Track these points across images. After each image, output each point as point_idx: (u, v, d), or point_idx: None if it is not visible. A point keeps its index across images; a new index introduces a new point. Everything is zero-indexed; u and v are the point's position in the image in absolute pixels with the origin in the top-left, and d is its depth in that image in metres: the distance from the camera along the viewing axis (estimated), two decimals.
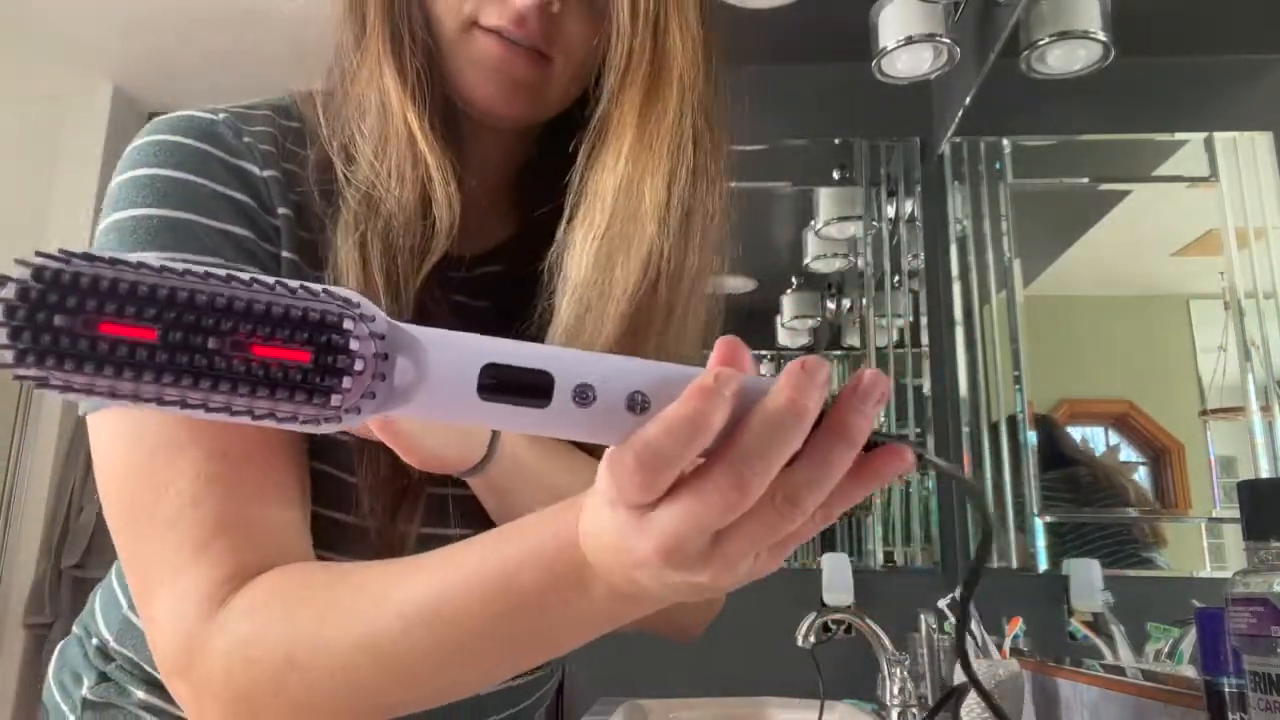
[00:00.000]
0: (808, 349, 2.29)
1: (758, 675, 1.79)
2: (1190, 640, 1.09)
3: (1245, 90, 1.10)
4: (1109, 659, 1.29)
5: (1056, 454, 1.61)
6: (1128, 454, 1.41)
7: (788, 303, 2.31)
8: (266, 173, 0.57)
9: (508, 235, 0.67)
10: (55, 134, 2.89)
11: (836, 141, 2.28)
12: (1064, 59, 1.49)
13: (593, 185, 0.57)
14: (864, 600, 1.78)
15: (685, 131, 0.57)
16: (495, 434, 0.54)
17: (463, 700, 0.48)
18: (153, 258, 0.30)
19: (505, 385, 0.33)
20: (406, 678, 0.44)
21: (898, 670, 1.54)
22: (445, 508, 0.60)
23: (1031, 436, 1.63)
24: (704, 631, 0.68)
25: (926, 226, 2.20)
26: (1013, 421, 1.72)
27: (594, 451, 0.57)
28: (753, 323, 2.33)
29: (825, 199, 2.28)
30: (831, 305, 2.30)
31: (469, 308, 0.63)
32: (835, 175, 2.27)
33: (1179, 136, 1.22)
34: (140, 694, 0.61)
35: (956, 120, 1.98)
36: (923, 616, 1.68)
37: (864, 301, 2.23)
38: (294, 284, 0.31)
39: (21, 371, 0.28)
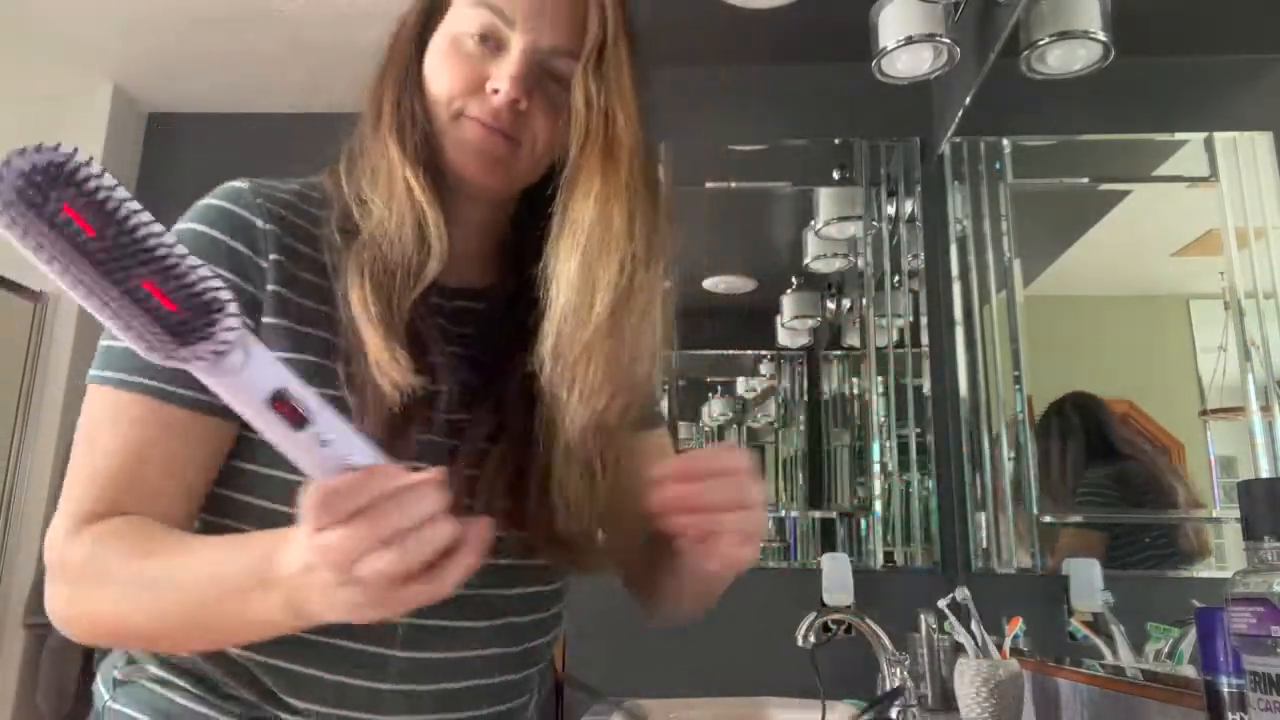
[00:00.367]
0: (808, 349, 2.30)
1: (758, 675, 1.79)
2: (1190, 640, 1.09)
3: (1245, 90, 1.10)
4: (1109, 659, 1.29)
5: (1107, 446, 1.44)
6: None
7: (788, 303, 2.31)
8: (267, 226, 0.72)
9: (488, 285, 0.83)
10: (55, 134, 2.80)
11: (836, 141, 2.28)
12: (1064, 59, 1.49)
13: (570, 215, 0.73)
14: (864, 600, 1.78)
15: (636, 172, 0.74)
16: None
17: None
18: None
19: (282, 406, 0.49)
20: (148, 618, 0.63)
21: (898, 670, 1.54)
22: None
23: (1037, 435, 1.63)
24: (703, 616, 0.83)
25: (926, 226, 2.20)
26: (1017, 419, 1.72)
27: None
28: (753, 323, 2.33)
29: (825, 199, 2.28)
30: (831, 305, 2.30)
31: (450, 331, 0.78)
32: (835, 175, 2.28)
33: (1179, 136, 1.22)
34: (154, 669, 0.73)
35: (956, 120, 1.98)
36: (923, 616, 1.68)
37: (864, 301, 2.23)
38: (209, 273, 0.47)
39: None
